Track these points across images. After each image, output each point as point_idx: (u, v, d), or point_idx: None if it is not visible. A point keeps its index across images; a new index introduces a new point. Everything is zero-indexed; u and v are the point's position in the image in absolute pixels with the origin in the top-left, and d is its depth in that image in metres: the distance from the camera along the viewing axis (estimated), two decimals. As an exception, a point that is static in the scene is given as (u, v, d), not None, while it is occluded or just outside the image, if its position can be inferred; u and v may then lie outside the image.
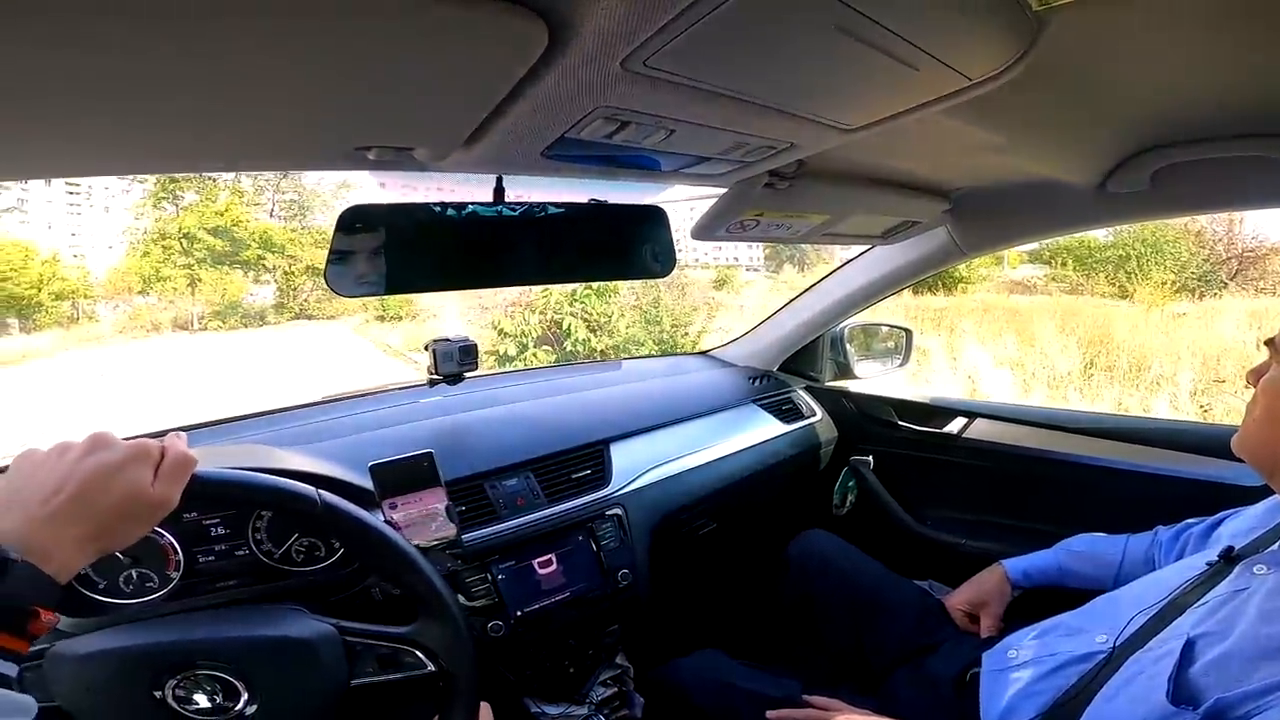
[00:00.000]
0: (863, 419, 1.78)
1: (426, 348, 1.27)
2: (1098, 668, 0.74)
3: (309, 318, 18.21)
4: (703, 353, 2.03)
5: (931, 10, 0.48)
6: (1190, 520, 1.00)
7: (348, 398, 1.42)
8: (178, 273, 19.05)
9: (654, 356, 2.37)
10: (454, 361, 1.26)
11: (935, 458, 1.65)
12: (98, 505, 0.52)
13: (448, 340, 1.27)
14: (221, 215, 19.88)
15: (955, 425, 1.60)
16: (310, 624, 0.75)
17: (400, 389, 1.47)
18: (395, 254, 0.74)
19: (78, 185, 24.30)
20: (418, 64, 0.44)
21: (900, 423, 1.70)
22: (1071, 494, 1.45)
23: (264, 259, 19.59)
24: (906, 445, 1.70)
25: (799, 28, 0.47)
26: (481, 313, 9.46)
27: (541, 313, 8.40)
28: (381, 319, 15.90)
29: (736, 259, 24.84)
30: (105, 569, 0.93)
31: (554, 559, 1.21)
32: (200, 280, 19.08)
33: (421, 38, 0.41)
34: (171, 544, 0.94)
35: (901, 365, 1.85)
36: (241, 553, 0.93)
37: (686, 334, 8.88)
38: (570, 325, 8.32)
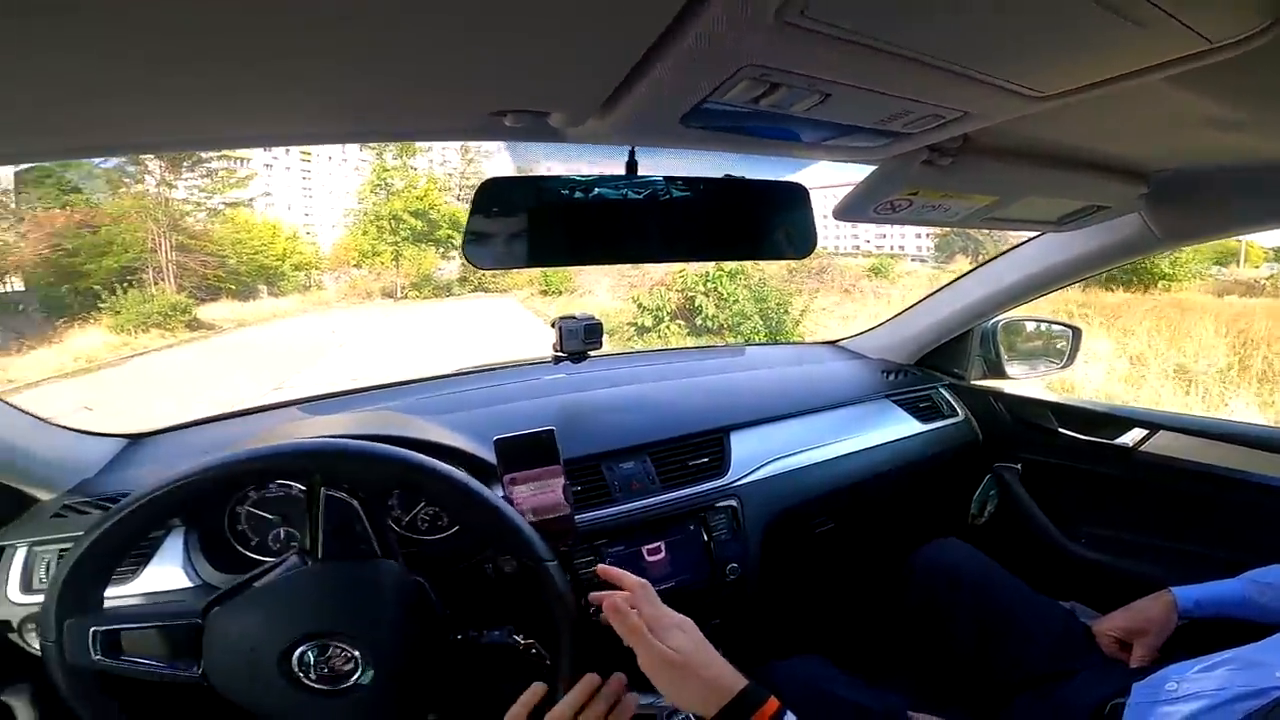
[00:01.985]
0: (1014, 423, 1.62)
1: (553, 324, 1.28)
2: (1272, 705, 0.67)
3: (485, 290, 20.33)
4: (830, 342, 1.93)
5: None
6: None
7: (476, 371, 1.47)
8: (386, 249, 21.93)
9: (779, 344, 2.29)
10: (579, 339, 1.26)
11: (1099, 471, 1.46)
12: None
13: (574, 318, 1.27)
14: (421, 200, 22.72)
15: (1129, 437, 1.41)
16: (404, 577, 0.78)
17: (526, 365, 1.50)
18: (530, 228, 0.73)
19: (309, 171, 28.82)
20: (556, 17, 0.41)
21: (1061, 430, 1.52)
22: (1265, 521, 1.24)
23: (453, 237, 22.03)
24: (1065, 455, 1.52)
25: None
26: (629, 289, 10.75)
27: (679, 291, 9.61)
28: (545, 293, 17.43)
29: (902, 247, 23.04)
30: (259, 527, 1.01)
31: (663, 547, 1.19)
32: (403, 256, 21.96)
33: None
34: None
35: (1064, 367, 1.65)
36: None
37: (788, 312, 9.71)
38: (700, 303, 9.40)
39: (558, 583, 0.77)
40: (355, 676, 0.70)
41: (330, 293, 21.69)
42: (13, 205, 15.02)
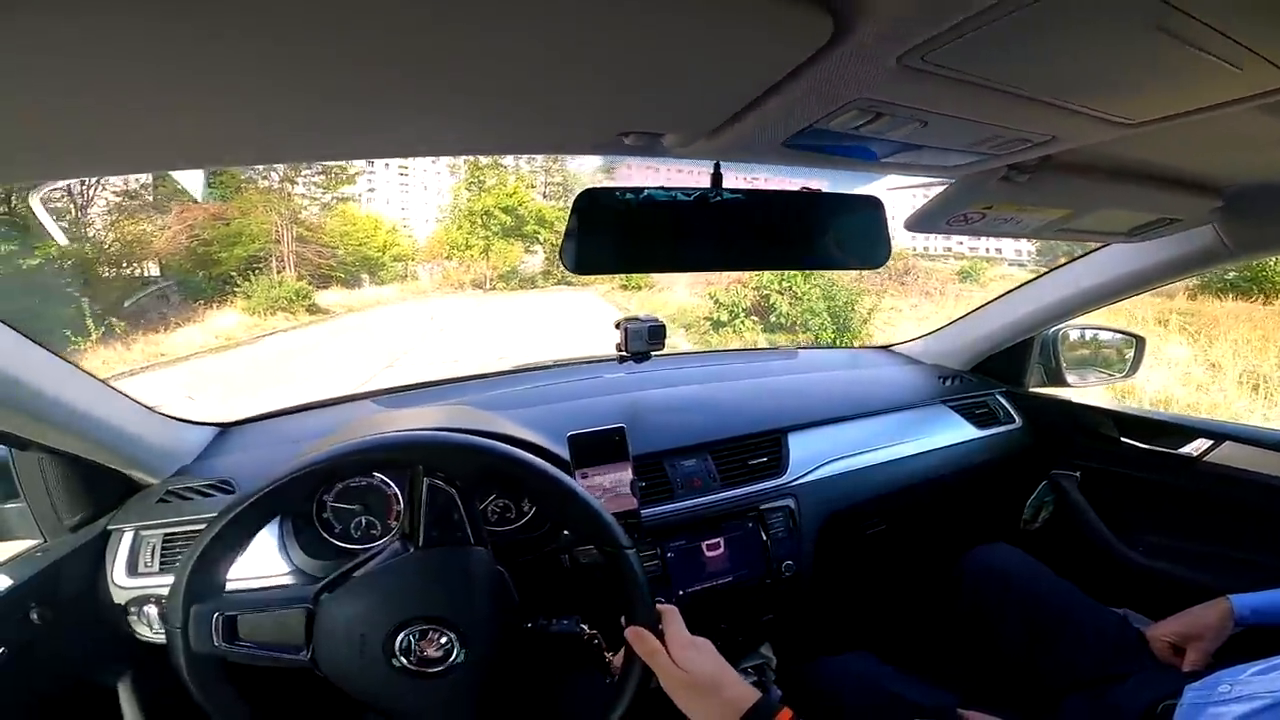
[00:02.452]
0: (1073, 431, 1.61)
1: (618, 325, 1.32)
2: None
3: (568, 284, 20.81)
4: (886, 347, 1.93)
5: (1269, 4, 0.41)
6: None
7: (542, 368, 1.52)
8: (477, 242, 23.28)
9: (832, 348, 2.30)
10: (643, 340, 1.29)
11: (1162, 480, 1.45)
12: None
13: (638, 319, 1.31)
14: (510, 196, 24.00)
15: (1193, 447, 1.39)
16: (493, 564, 0.81)
17: (592, 362, 1.54)
18: (620, 236, 0.77)
19: (407, 169, 30.83)
20: (695, 50, 0.44)
21: (1122, 439, 1.51)
22: None
23: (538, 233, 23.44)
24: (1126, 463, 1.51)
25: (1114, 26, 0.42)
26: (705, 285, 11.24)
27: (754, 288, 10.14)
28: (625, 288, 18.09)
29: (999, 250, 22.18)
30: (341, 515, 1.07)
31: (722, 543, 1.23)
32: (492, 249, 23.20)
33: (703, 25, 0.40)
34: (395, 495, 1.07)
35: (1127, 376, 1.63)
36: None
37: (855, 310, 9.91)
38: (775, 300, 9.96)
39: (636, 568, 0.80)
40: (450, 659, 0.73)
41: (425, 283, 22.92)
42: (150, 199, 16.29)
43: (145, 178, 14.91)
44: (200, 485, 1.09)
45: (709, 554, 1.22)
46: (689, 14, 0.39)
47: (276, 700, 0.81)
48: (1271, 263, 11.74)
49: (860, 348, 2.01)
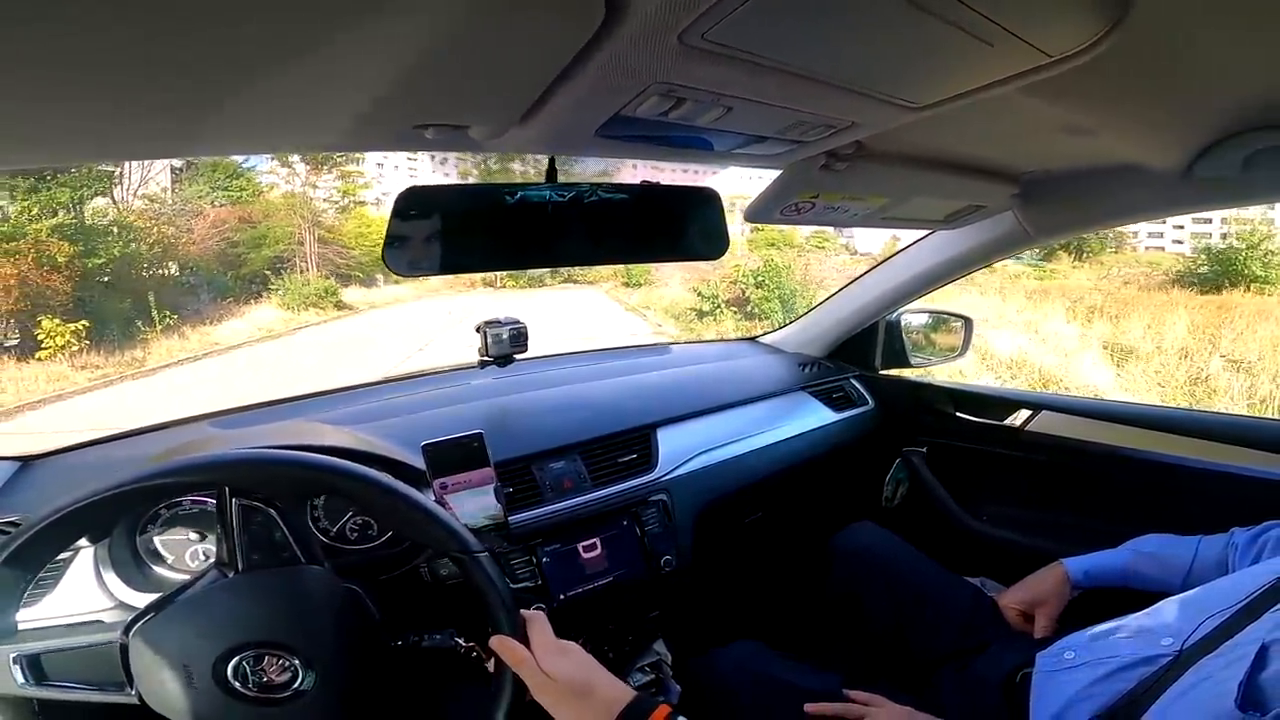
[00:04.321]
0: (918, 409, 1.73)
1: (478, 329, 1.28)
2: (1161, 671, 0.71)
3: (574, 282, 21.72)
4: (752, 338, 2.00)
5: None
6: (1270, 522, 0.95)
7: (403, 379, 1.45)
8: None
9: (704, 341, 2.36)
10: (504, 344, 1.27)
11: (994, 451, 1.59)
12: None
13: (499, 323, 1.28)
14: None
15: (1018, 418, 1.54)
16: (334, 582, 0.77)
17: (452, 371, 1.49)
18: (450, 235, 0.74)
19: (415, 171, 29.77)
20: (474, 40, 0.43)
21: (958, 414, 1.64)
22: (1141, 493, 1.38)
23: None
24: (964, 437, 1.64)
25: (869, 1, 0.45)
26: (701, 281, 13.02)
27: (733, 282, 11.99)
28: (627, 284, 19.00)
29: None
30: (172, 545, 0.97)
31: (598, 543, 1.22)
32: None
33: (478, 14, 0.40)
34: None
35: (960, 355, 1.78)
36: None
37: (799, 299, 11.56)
38: (750, 294, 11.64)
39: (489, 573, 0.77)
40: (295, 684, 0.69)
41: (437, 282, 22.92)
42: (170, 201, 17.63)
43: (165, 182, 17.44)
44: None
45: (585, 556, 1.21)
46: (463, 4, 0.38)
47: None
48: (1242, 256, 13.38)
49: (729, 340, 2.08)
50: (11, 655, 0.66)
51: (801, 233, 19.80)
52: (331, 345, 12.45)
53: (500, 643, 0.74)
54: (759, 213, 1.00)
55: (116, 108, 0.47)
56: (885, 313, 1.70)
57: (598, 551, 1.22)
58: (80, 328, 11.11)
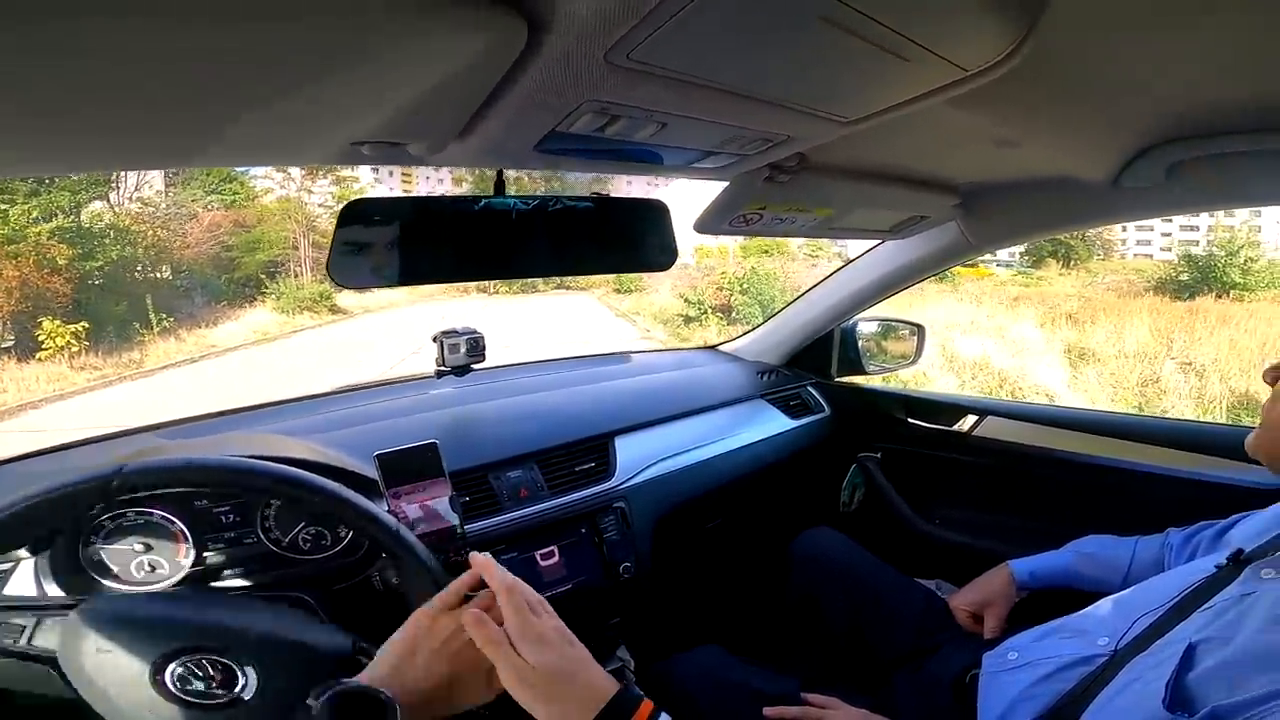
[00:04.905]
0: (872, 415, 1.77)
1: (435, 339, 1.28)
2: (1098, 671, 0.72)
3: (566, 289, 22.00)
4: (712, 347, 2.03)
5: None
6: (1203, 523, 0.98)
7: (358, 389, 1.44)
8: None
9: (663, 350, 2.37)
10: (461, 354, 1.27)
11: (944, 455, 1.63)
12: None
13: (455, 332, 1.28)
14: None
15: (966, 423, 1.58)
16: (329, 634, 0.76)
17: (408, 381, 1.48)
18: (398, 247, 0.74)
19: (410, 175, 29.76)
20: (403, 62, 0.44)
21: (909, 420, 1.68)
22: (1083, 495, 1.42)
23: None
24: (915, 442, 1.68)
25: (782, 19, 0.46)
26: (689, 287, 13.62)
27: (720, 289, 12.55)
28: (618, 291, 19.24)
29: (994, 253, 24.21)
30: (117, 555, 0.95)
31: (556, 551, 1.22)
32: None
33: (405, 36, 0.41)
34: (182, 531, 0.96)
35: (913, 363, 1.82)
36: (250, 540, 0.95)
37: (776, 299, 11.66)
38: (735, 300, 12.17)
39: (390, 526, 0.78)
40: (237, 688, 0.69)
41: (432, 288, 24.51)
42: (163, 205, 17.84)
43: (160, 186, 17.53)
44: None
45: (544, 563, 1.21)
46: (390, 25, 0.39)
47: None
48: (1220, 263, 13.71)
49: (689, 349, 2.10)
50: None
51: (795, 240, 20.04)
52: (326, 349, 12.74)
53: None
54: (707, 224, 1.02)
55: (58, 123, 0.47)
56: (839, 321, 1.74)
57: (556, 559, 1.22)
58: (80, 329, 11.28)
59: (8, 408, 8.28)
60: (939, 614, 1.12)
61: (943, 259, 1.38)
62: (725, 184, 0.96)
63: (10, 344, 10.88)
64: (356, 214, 0.71)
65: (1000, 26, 0.54)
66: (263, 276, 18.79)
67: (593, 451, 1.34)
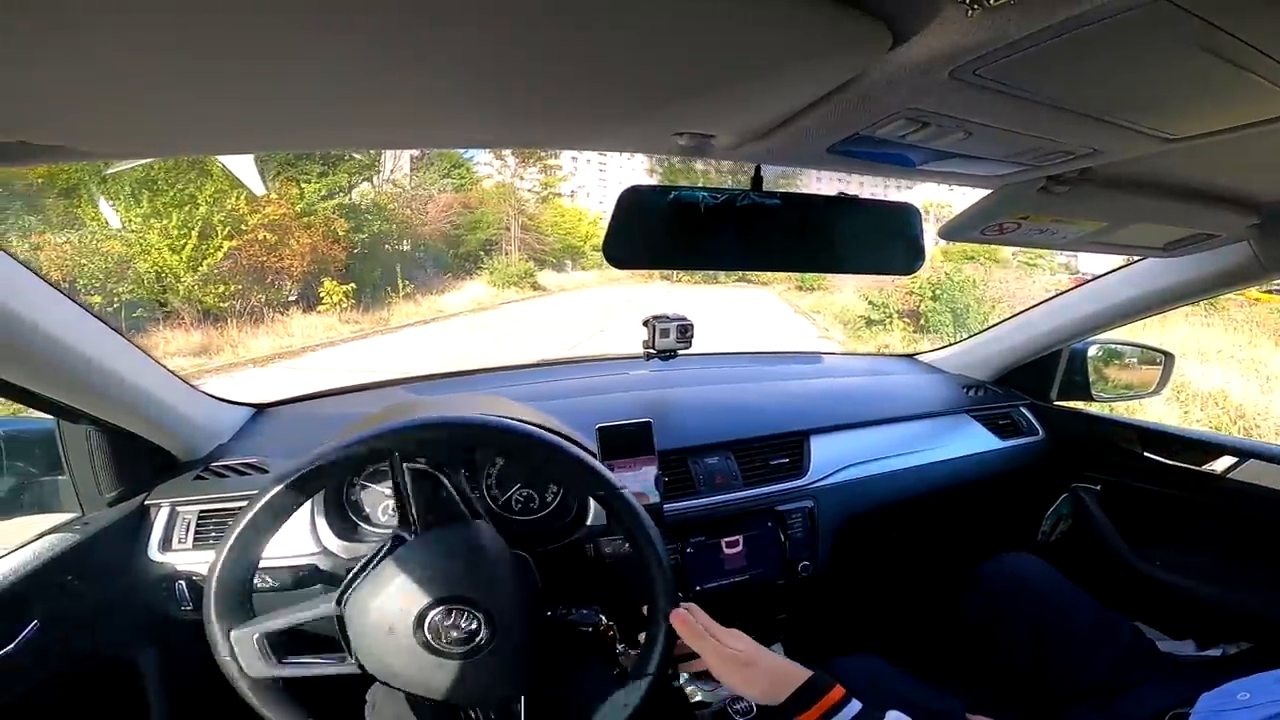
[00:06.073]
0: (1096, 445, 1.60)
1: (645, 323, 1.34)
2: None
3: (748, 283, 22.59)
4: (908, 356, 1.93)
5: None
6: None
7: (573, 362, 1.54)
8: None
9: (856, 355, 2.30)
10: (671, 338, 1.31)
11: (1182, 495, 1.43)
12: None
13: (667, 318, 1.32)
14: None
15: (1218, 464, 1.38)
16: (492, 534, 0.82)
17: (617, 359, 1.56)
18: (658, 233, 0.77)
19: (605, 166, 34.37)
20: (756, 56, 0.44)
21: (1145, 454, 1.50)
22: None
23: None
24: (1147, 478, 1.49)
25: (1161, 48, 0.43)
26: (876, 290, 12.71)
27: (910, 293, 11.63)
28: (800, 288, 19.34)
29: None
30: (370, 498, 1.08)
31: (741, 540, 1.24)
32: None
33: (766, 32, 0.41)
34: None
35: (1155, 394, 1.62)
36: (474, 495, 1.03)
37: (971, 314, 11.27)
38: (923, 304, 11.33)
39: (635, 507, 0.83)
40: (479, 637, 0.74)
41: (618, 271, 25.96)
42: (409, 187, 20.29)
43: (406, 170, 20.06)
44: (236, 464, 1.12)
45: (728, 551, 1.24)
46: (753, 21, 0.39)
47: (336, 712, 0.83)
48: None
49: (884, 355, 2.01)
50: (254, 637, 0.74)
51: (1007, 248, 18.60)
52: (527, 321, 13.87)
53: (680, 618, 0.80)
54: (957, 230, 0.96)
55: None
56: (1072, 340, 1.58)
57: (739, 549, 1.24)
58: (349, 289, 13.67)
59: (293, 349, 10.33)
60: (1145, 654, 1.05)
61: (1223, 281, 1.20)
62: (985, 191, 0.90)
63: (294, 298, 13.44)
64: (630, 200, 0.75)
65: None
66: (480, 253, 21.33)
67: (788, 447, 1.34)
